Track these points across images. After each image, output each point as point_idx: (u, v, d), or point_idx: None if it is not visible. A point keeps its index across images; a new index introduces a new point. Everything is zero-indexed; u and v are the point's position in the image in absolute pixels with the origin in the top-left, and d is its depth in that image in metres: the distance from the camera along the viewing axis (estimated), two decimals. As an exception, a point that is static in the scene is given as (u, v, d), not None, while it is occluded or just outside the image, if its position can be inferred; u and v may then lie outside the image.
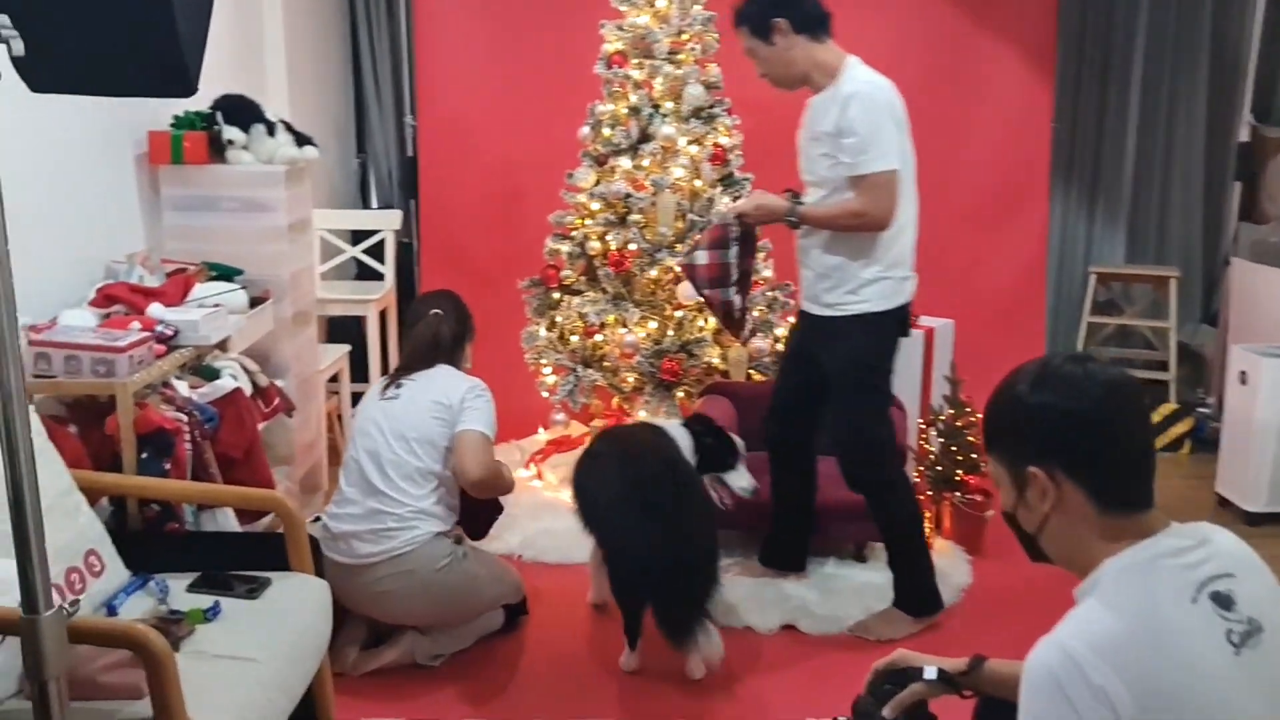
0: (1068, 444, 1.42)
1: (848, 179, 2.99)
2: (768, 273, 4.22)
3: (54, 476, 2.43)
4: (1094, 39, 5.44)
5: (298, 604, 2.51)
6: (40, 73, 1.45)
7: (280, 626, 2.40)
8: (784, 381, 3.44)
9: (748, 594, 3.44)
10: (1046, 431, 1.44)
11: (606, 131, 4.18)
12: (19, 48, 1.28)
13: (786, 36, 3.02)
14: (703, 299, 3.40)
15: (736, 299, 3.26)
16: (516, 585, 3.25)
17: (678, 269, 4.05)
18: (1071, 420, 1.42)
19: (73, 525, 2.40)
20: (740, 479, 3.30)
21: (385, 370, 4.64)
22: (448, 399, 2.97)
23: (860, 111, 2.93)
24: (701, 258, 3.22)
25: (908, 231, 3.12)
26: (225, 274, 3.44)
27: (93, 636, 1.97)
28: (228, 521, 2.94)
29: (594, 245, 4.17)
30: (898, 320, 3.16)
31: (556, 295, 4.27)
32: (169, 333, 2.93)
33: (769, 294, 4.20)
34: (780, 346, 4.19)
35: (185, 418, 2.80)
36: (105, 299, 3.01)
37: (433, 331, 3.13)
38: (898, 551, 3.29)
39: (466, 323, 3.22)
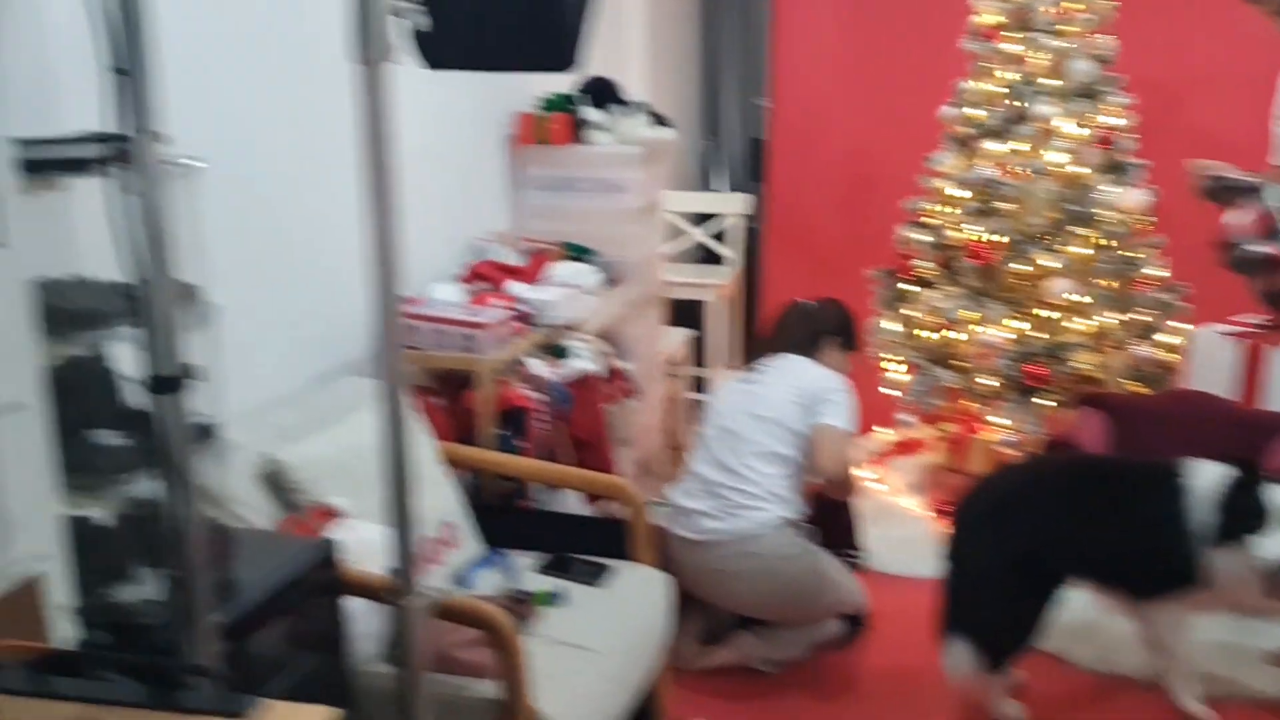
0: None
1: None
2: (1161, 271, 3.72)
3: (421, 447, 2.53)
4: None
5: (640, 596, 2.48)
6: (438, 51, 1.46)
7: (623, 619, 2.37)
8: None
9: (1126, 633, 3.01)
10: None
11: (973, 112, 3.85)
12: (424, 23, 1.28)
13: None
14: None
15: None
16: (858, 594, 3.06)
17: (1046, 264, 3.65)
18: None
19: (434, 496, 2.49)
20: (1269, 546, 2.43)
21: (727, 356, 4.61)
22: (805, 386, 2.95)
23: None
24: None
25: None
26: (579, 254, 3.49)
27: (449, 613, 2.00)
28: (572, 504, 2.96)
29: (953, 235, 3.86)
30: None
31: (907, 287, 4.01)
32: (528, 311, 2.98)
33: (1156, 296, 3.71)
34: (1168, 356, 3.70)
35: (541, 397, 2.84)
36: (474, 275, 3.11)
37: (778, 319, 3.13)
38: None
39: (830, 325, 3.14)
